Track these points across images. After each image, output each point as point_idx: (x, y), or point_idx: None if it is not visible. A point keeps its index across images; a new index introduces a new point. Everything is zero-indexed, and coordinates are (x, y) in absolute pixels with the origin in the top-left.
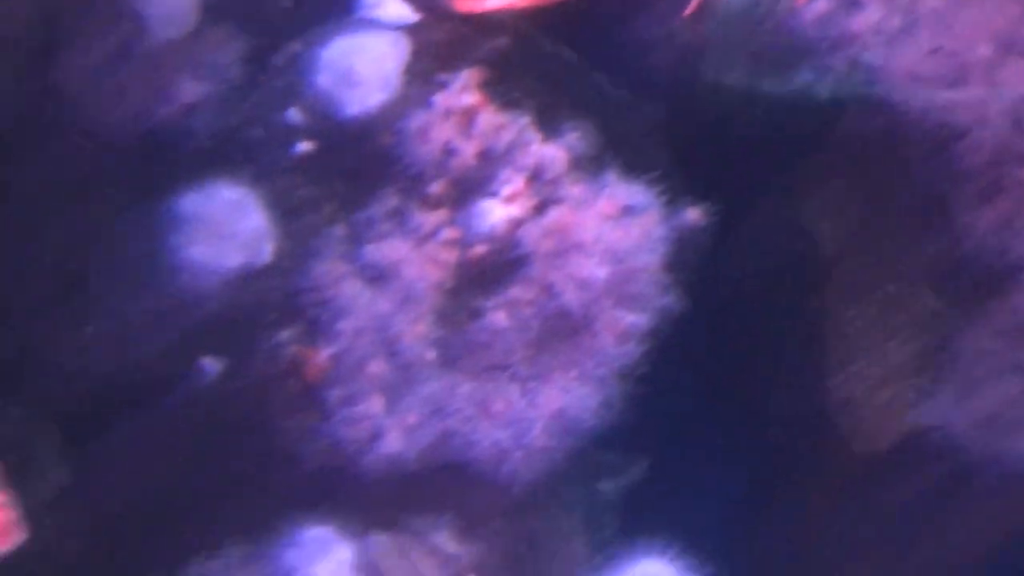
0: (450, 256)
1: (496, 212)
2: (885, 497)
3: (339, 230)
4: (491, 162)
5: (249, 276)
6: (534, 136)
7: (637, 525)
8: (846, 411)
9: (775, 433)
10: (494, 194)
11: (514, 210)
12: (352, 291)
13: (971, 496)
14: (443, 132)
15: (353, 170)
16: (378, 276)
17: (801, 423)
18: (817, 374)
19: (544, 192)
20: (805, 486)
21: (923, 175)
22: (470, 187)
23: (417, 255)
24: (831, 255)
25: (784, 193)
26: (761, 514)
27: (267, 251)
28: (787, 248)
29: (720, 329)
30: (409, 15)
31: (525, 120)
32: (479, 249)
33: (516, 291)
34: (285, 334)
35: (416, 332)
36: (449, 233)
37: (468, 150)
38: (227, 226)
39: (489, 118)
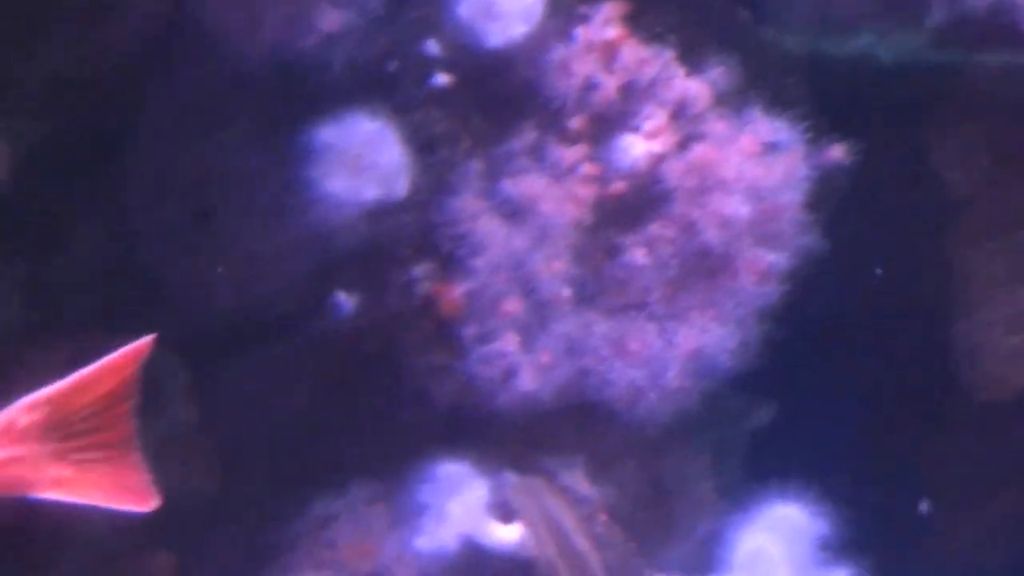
0: (589, 192)
1: (637, 147)
2: (1009, 446)
3: (476, 165)
4: (633, 97)
5: (385, 210)
6: (677, 71)
7: (768, 468)
8: (972, 358)
9: (902, 379)
10: (636, 129)
11: (656, 146)
12: (488, 227)
13: None
14: (585, 66)
15: (492, 104)
16: (515, 212)
17: (928, 369)
18: (945, 320)
19: (687, 128)
20: (930, 433)
21: None
22: (611, 122)
23: (555, 191)
24: (961, 201)
25: (917, 137)
26: (885, 460)
27: (404, 185)
28: (918, 193)
29: (852, 273)
30: None
31: (668, 54)
32: (619, 185)
33: (656, 228)
34: (420, 270)
35: (553, 269)
36: (589, 169)
37: (610, 84)
38: (364, 159)
39: (631, 52)
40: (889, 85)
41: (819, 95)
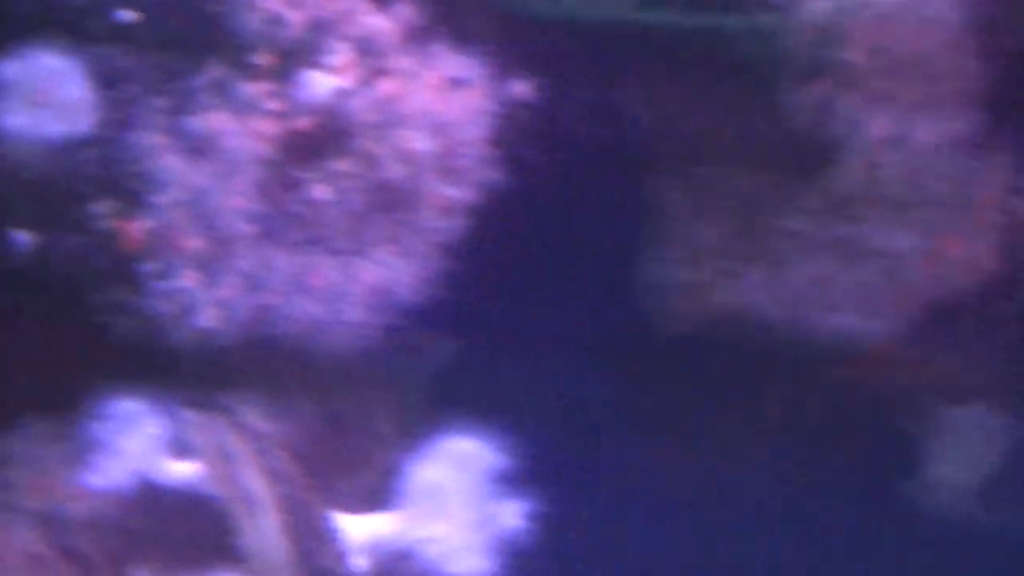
0: (273, 128)
1: (323, 83)
2: (687, 379)
3: (160, 101)
4: (319, 32)
5: (67, 146)
6: (364, 6)
7: (448, 403)
8: (655, 293)
9: (588, 314)
10: (321, 65)
11: (341, 81)
12: (172, 163)
13: (779, 375)
14: (271, 1)
15: (177, 39)
16: (198, 148)
17: (614, 302)
18: (631, 256)
19: (372, 63)
20: (614, 368)
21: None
22: (297, 57)
23: (239, 127)
24: (649, 136)
25: (605, 73)
26: (568, 394)
27: (87, 121)
28: (606, 128)
29: (539, 207)
30: None
31: None
32: (303, 121)
33: (340, 164)
34: (102, 206)
35: (235, 205)
36: (273, 104)
37: (296, 20)
38: (47, 94)
39: None
40: (586, 37)
41: (510, 38)
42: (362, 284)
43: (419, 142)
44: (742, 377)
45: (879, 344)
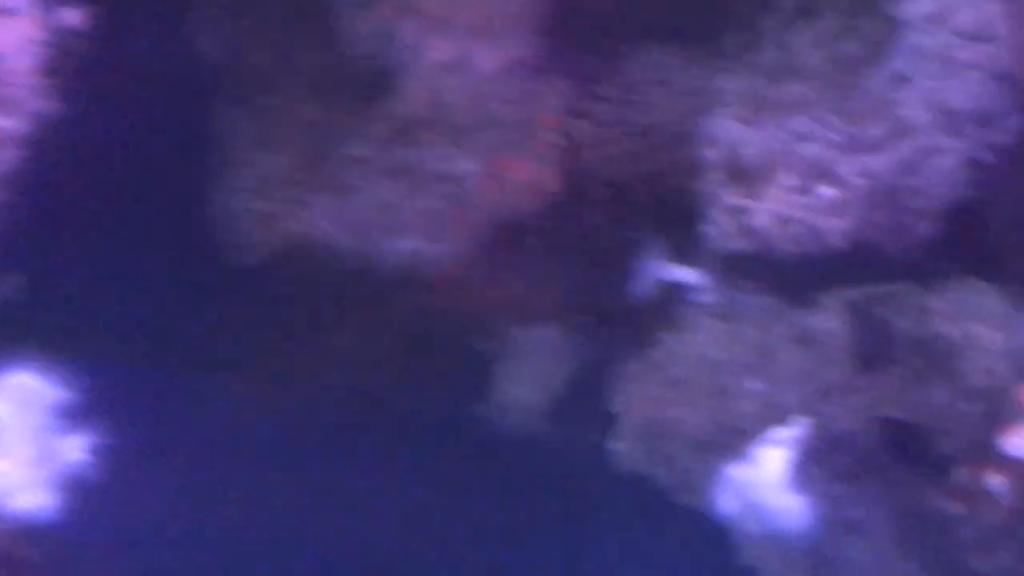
0: None
1: None
2: (260, 306)
3: None
4: None
5: None
6: None
7: (8, 337)
8: (226, 223)
9: (157, 242)
10: None
11: None
12: None
13: (350, 302)
14: None
15: None
16: None
17: (182, 233)
18: (198, 184)
19: None
20: (188, 296)
21: None
22: None
23: None
24: (217, 65)
25: (169, 6)
26: (139, 325)
27: None
28: (172, 57)
29: (102, 138)
30: None
31: None
32: None
33: None
34: None
35: None
36: None
37: None
38: None
39: None
40: None
41: None
42: None
43: None
44: (314, 305)
45: (446, 268)
